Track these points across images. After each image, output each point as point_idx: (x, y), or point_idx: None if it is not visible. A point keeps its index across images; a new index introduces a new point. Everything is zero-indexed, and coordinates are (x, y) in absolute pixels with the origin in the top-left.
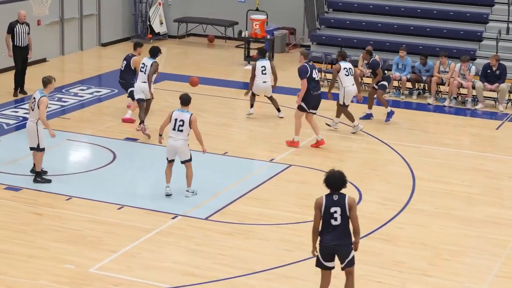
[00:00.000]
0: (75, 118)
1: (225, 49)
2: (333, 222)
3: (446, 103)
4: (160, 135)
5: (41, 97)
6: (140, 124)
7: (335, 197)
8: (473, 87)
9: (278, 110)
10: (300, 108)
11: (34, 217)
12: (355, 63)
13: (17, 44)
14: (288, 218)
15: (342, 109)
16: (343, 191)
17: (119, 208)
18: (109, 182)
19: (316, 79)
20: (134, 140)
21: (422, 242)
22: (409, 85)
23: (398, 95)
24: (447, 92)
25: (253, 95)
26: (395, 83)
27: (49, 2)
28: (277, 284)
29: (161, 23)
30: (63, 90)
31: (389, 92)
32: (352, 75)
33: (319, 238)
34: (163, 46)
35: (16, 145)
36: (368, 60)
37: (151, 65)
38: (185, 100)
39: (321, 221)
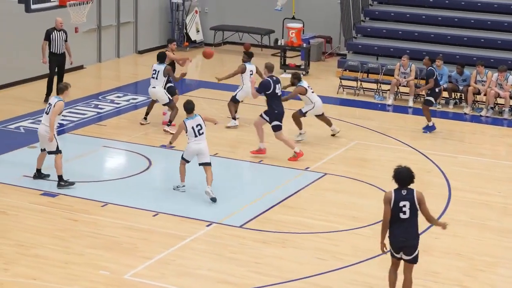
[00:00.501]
0: (111, 125)
1: (261, 57)
2: (402, 216)
3: (483, 113)
4: (171, 143)
5: (58, 101)
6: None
7: (404, 192)
8: (510, 97)
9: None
10: (263, 118)
11: (70, 223)
12: (391, 72)
13: (53, 51)
14: (323, 226)
15: (299, 116)
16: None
17: (154, 215)
18: (144, 189)
19: (279, 94)
20: (170, 147)
21: (457, 253)
22: (445, 94)
23: (435, 104)
24: (484, 102)
25: (235, 103)
26: None
27: (87, 10)
28: None
29: (198, 31)
30: (100, 97)
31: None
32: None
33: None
34: (199, 54)
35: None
36: (427, 66)
37: (165, 69)
38: (190, 109)
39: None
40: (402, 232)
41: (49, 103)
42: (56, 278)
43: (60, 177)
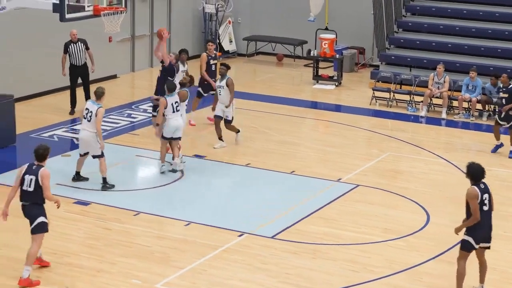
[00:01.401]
0: (144, 134)
1: (293, 67)
2: (484, 208)
3: None
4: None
5: (98, 108)
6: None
7: (482, 185)
8: None
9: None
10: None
11: (103, 232)
12: (424, 83)
13: (73, 63)
14: (354, 238)
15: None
16: None
17: (186, 225)
18: (177, 199)
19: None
20: (202, 157)
21: (491, 266)
22: (479, 106)
23: (468, 116)
24: None
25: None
26: (465, 105)
27: (121, 19)
28: None
29: (231, 41)
30: (133, 107)
31: (459, 113)
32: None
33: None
34: (232, 64)
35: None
36: (507, 84)
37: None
38: (172, 89)
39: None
40: (487, 223)
41: (88, 109)
42: (88, 286)
43: (104, 179)
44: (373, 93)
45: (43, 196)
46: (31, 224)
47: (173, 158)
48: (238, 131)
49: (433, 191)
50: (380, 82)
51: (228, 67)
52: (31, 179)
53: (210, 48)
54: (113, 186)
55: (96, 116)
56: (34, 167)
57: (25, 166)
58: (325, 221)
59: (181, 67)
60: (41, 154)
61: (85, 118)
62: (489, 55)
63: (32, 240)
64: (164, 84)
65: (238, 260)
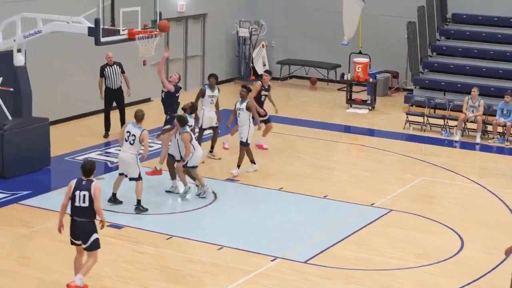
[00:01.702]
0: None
1: (327, 91)
2: None
3: None
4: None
5: (142, 132)
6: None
7: None
8: None
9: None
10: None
11: (136, 255)
12: (458, 108)
13: (109, 86)
14: (388, 263)
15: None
16: None
17: (219, 249)
18: (209, 222)
19: None
20: (235, 181)
21: None
22: None
23: (503, 141)
24: None
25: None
26: (500, 129)
27: (155, 43)
28: None
29: (264, 65)
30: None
31: (494, 138)
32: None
33: None
34: None
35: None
36: None
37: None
38: (185, 123)
39: None
40: None
41: (130, 132)
42: None
43: (139, 202)
44: (407, 117)
45: (94, 209)
46: (84, 241)
47: (199, 182)
48: (239, 166)
49: (468, 216)
50: (414, 106)
51: (249, 90)
52: (84, 195)
53: (265, 79)
54: (146, 209)
55: (142, 140)
56: (84, 182)
57: (73, 182)
58: (358, 246)
59: (208, 92)
60: (89, 169)
61: (126, 141)
62: None
63: (89, 255)
64: (168, 104)
65: (271, 285)
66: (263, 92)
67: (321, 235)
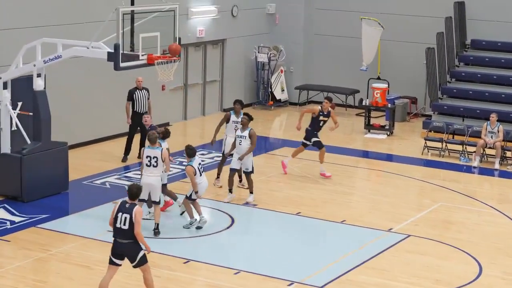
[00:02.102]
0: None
1: (345, 117)
2: None
3: None
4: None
5: (162, 150)
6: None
7: None
8: None
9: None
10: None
11: (153, 279)
12: (477, 133)
13: (137, 110)
14: None
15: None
16: None
17: (235, 273)
18: (226, 247)
19: None
20: (253, 205)
21: None
22: None
23: None
24: None
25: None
26: None
27: (174, 68)
28: None
29: (283, 90)
30: (184, 155)
31: None
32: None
33: None
34: (284, 113)
35: None
36: None
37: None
38: (192, 154)
39: None
40: None
41: (150, 156)
42: None
43: (157, 225)
44: (425, 142)
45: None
46: (132, 261)
47: (200, 214)
48: (251, 192)
49: (486, 242)
50: (432, 132)
51: (250, 118)
52: (125, 218)
53: (325, 106)
54: (159, 232)
55: (164, 159)
56: (127, 205)
57: (117, 204)
58: (376, 272)
59: (233, 118)
60: (135, 193)
61: (149, 166)
62: None
63: (143, 271)
64: None
65: None
66: (322, 117)
67: (339, 260)
